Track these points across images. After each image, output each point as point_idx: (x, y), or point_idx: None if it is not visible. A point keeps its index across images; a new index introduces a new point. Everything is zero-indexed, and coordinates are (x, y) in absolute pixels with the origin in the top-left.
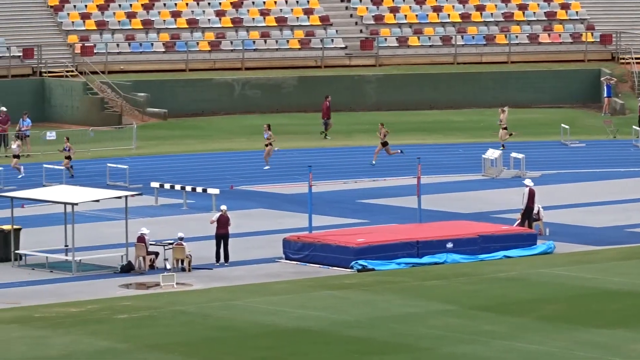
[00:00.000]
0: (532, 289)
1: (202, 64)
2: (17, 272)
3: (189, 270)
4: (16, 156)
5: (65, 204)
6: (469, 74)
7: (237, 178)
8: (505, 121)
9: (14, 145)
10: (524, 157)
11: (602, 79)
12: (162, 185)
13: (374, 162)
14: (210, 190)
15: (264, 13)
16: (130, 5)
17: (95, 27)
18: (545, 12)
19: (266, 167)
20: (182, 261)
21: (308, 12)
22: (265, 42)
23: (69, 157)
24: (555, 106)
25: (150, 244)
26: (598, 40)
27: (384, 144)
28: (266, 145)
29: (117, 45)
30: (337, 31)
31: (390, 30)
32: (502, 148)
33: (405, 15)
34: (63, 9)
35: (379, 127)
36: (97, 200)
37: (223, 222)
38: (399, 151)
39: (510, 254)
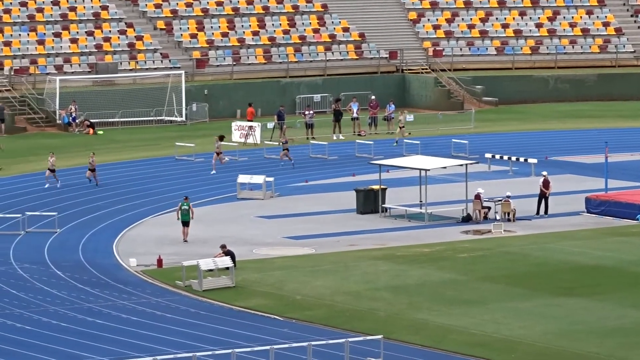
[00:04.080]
0: None
1: (525, 64)
2: (384, 221)
3: (514, 221)
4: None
5: (420, 169)
6: None
7: (550, 151)
8: (403, 122)
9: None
10: None
11: None
12: (493, 156)
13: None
14: (530, 160)
15: (572, 25)
16: (470, 19)
17: (444, 36)
18: None
19: (212, 172)
20: (509, 213)
21: (605, 24)
22: (573, 47)
23: (93, 170)
24: None
25: (484, 200)
26: None
27: (285, 148)
28: (217, 154)
29: (460, 49)
30: (627, 39)
31: None
32: (395, 144)
33: None
34: (420, 21)
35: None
36: (444, 167)
37: (545, 184)
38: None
39: None
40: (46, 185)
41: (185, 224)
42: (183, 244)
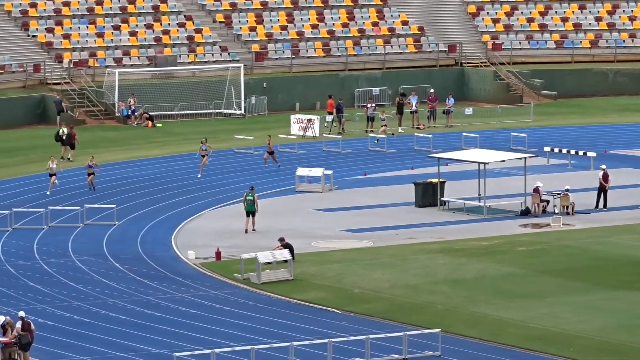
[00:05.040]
0: None
1: (584, 57)
2: (442, 214)
3: (572, 214)
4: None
5: (478, 163)
6: None
7: (609, 144)
8: (386, 120)
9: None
10: None
11: None
12: (552, 149)
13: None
14: (589, 153)
15: (632, 18)
16: (530, 12)
17: (503, 29)
18: None
19: (199, 176)
20: (567, 207)
21: None
22: (633, 41)
23: (92, 174)
24: None
25: (543, 194)
26: None
27: (271, 152)
28: (202, 157)
29: (520, 42)
30: None
31: None
32: (376, 142)
33: None
34: (479, 15)
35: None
36: (503, 160)
37: (604, 177)
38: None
39: None
40: (48, 192)
41: (250, 214)
42: (241, 236)
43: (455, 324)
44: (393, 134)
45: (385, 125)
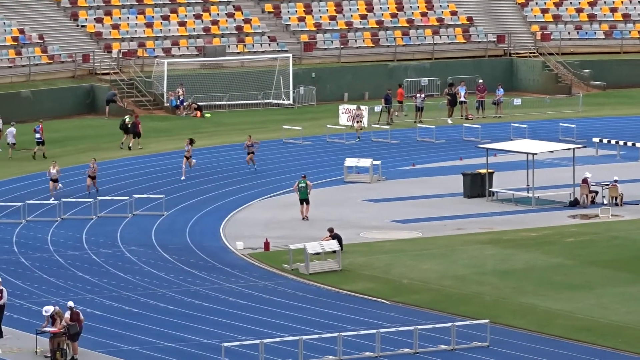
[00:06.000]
0: None
1: (633, 48)
2: (491, 205)
3: (621, 205)
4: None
5: (527, 153)
6: None
7: None
8: (363, 118)
9: None
10: None
11: None
12: (601, 140)
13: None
14: (637, 144)
15: None
16: (579, 2)
17: (552, 19)
18: None
19: (182, 178)
20: (616, 198)
21: None
22: None
23: (94, 177)
24: None
25: (592, 185)
26: None
27: (251, 152)
28: (186, 158)
29: (568, 33)
30: None
31: None
32: (357, 139)
33: None
34: (528, 5)
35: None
36: (552, 151)
37: None
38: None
39: None
40: (51, 199)
41: (304, 201)
42: (290, 226)
43: (504, 315)
44: (360, 130)
45: (360, 122)
